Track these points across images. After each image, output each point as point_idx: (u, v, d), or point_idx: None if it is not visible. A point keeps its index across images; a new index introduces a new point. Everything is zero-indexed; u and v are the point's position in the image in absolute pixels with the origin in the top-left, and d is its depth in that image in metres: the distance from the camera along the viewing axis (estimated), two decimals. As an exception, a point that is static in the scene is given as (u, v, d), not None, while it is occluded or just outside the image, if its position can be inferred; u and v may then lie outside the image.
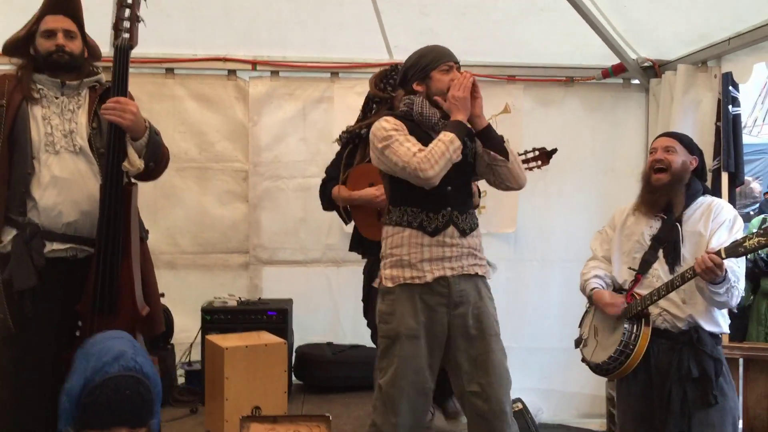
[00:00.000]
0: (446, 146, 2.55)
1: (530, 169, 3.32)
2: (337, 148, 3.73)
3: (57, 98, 2.85)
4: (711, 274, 2.59)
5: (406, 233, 2.67)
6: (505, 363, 2.72)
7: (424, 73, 2.73)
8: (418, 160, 2.54)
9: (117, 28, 2.83)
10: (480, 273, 2.75)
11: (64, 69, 2.85)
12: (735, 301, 2.71)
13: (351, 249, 3.72)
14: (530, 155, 3.50)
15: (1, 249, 2.76)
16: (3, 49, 2.89)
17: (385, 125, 2.67)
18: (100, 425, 1.90)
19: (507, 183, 2.76)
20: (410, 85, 2.78)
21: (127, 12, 2.84)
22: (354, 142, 3.57)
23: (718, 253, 2.58)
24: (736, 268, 2.69)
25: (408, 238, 2.67)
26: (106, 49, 3.15)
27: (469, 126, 2.67)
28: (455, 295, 2.68)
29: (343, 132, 3.67)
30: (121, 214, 2.77)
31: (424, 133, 2.68)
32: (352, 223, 3.67)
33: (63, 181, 2.78)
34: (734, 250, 2.54)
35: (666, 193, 2.88)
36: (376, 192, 3.40)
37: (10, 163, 2.75)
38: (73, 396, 1.90)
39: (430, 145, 2.57)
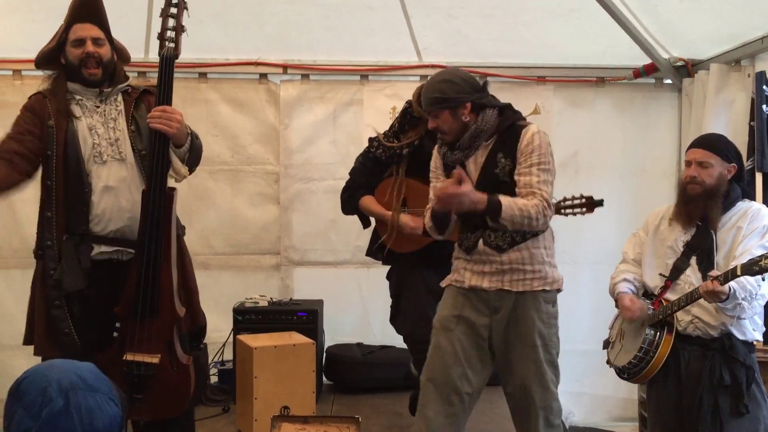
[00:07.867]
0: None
1: (573, 214, 3.16)
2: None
3: (98, 107, 2.88)
4: (714, 297, 2.61)
5: (457, 246, 2.87)
6: (538, 372, 2.67)
7: None
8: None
9: (162, 38, 2.84)
10: (522, 289, 2.68)
11: (97, 85, 2.88)
12: (747, 314, 2.69)
13: (368, 254, 3.67)
14: (576, 201, 3.22)
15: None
16: (36, 63, 2.92)
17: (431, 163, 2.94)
18: None
19: None
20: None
21: (172, 22, 2.85)
22: (394, 161, 3.44)
23: (733, 271, 2.55)
24: (747, 284, 2.61)
25: (457, 251, 2.86)
26: (136, 54, 3.17)
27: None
28: (493, 301, 2.72)
29: (377, 143, 3.49)
30: (163, 220, 2.80)
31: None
32: (371, 229, 3.63)
33: (111, 190, 2.83)
34: (749, 268, 2.51)
35: (701, 204, 2.81)
36: (412, 224, 3.35)
37: (65, 183, 2.78)
38: None
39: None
